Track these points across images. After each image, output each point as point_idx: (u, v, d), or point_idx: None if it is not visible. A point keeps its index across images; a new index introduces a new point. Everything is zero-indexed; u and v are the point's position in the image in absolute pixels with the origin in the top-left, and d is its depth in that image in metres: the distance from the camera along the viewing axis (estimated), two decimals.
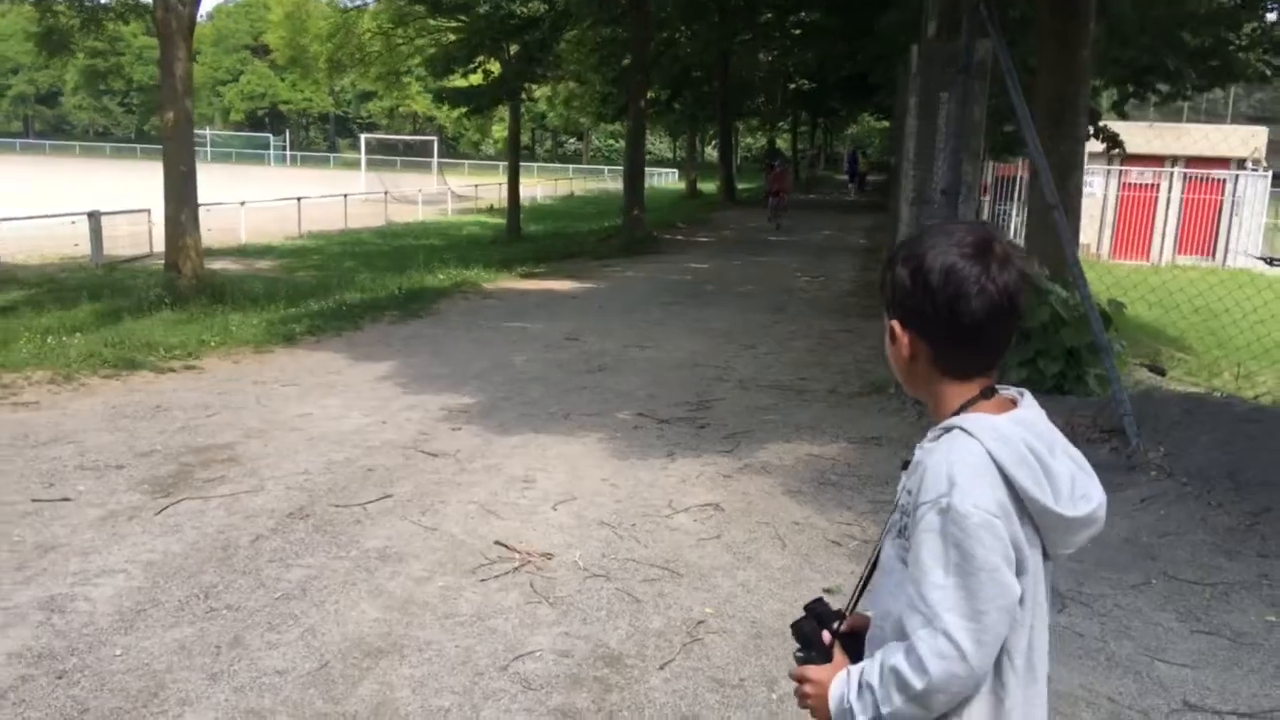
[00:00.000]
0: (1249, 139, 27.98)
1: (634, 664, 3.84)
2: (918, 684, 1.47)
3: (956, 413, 1.58)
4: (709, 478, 6.01)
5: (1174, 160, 26.89)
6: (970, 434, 1.52)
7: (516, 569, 4.63)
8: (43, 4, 16.35)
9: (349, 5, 25.44)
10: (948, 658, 1.46)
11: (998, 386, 1.64)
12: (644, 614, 4.25)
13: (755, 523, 5.31)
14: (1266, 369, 10.56)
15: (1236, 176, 26.59)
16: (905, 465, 1.66)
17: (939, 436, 1.57)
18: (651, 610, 4.28)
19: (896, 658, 1.51)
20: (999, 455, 1.49)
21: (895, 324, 1.62)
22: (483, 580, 4.50)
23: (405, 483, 5.70)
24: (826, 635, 1.71)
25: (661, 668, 3.81)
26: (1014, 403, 1.61)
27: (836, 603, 1.79)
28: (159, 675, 3.61)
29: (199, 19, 13.56)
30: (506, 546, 4.87)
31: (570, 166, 69.42)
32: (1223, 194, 26.79)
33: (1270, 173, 27.84)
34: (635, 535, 5.09)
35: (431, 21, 23.42)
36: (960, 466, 1.49)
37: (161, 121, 12.49)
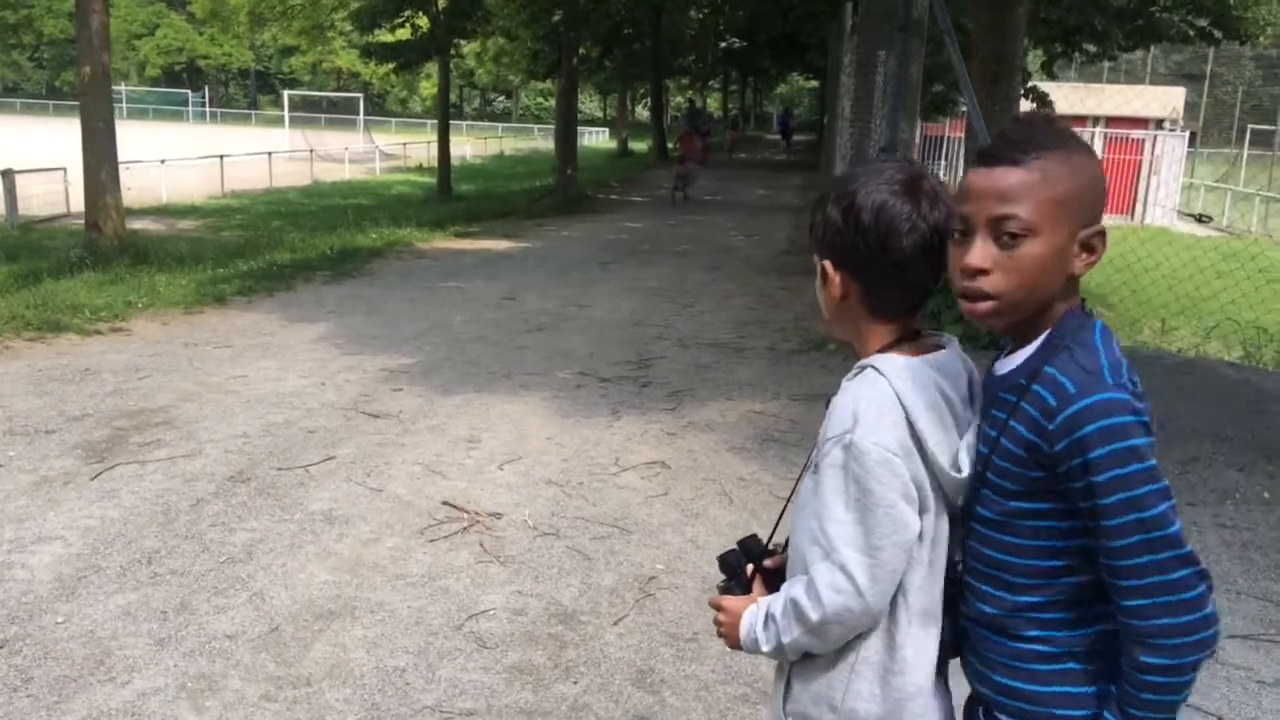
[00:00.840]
0: (1167, 100, 28.65)
1: (588, 620, 3.86)
2: (813, 615, 1.52)
3: (876, 354, 1.61)
4: (653, 435, 6.03)
5: (1095, 120, 27.44)
6: (881, 373, 1.55)
7: (465, 529, 4.62)
8: None
9: None
10: (843, 591, 1.50)
11: (927, 331, 1.66)
12: (595, 571, 4.26)
13: (701, 479, 5.35)
14: (1183, 325, 10.91)
15: (1155, 137, 27.23)
16: (828, 402, 1.69)
17: (855, 375, 1.60)
18: (603, 567, 4.30)
19: (797, 590, 1.56)
20: (905, 395, 1.52)
21: (827, 264, 1.64)
22: (432, 541, 4.48)
23: (348, 444, 5.63)
24: (750, 567, 1.75)
25: (615, 623, 3.84)
26: (939, 348, 1.63)
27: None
28: (104, 642, 3.54)
29: None
30: (454, 506, 4.85)
31: (499, 125, 68.55)
32: (1141, 154, 27.43)
33: (1187, 133, 28.58)
34: (583, 494, 5.10)
35: None
36: (865, 404, 1.53)
37: (78, 76, 12.02)
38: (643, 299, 10.43)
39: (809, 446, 5.31)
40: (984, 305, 1.44)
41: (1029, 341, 1.47)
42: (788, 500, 1.71)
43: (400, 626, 3.74)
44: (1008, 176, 1.40)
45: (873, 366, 1.57)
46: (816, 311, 8.80)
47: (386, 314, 9.27)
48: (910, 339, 1.62)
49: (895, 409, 1.52)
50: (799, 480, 1.69)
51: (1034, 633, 1.49)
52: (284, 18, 25.87)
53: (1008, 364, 1.50)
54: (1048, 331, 1.44)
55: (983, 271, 1.42)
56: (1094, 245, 1.43)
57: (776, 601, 1.61)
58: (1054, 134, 1.43)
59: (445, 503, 4.88)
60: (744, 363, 7.85)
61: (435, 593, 4.01)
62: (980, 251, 1.42)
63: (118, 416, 5.92)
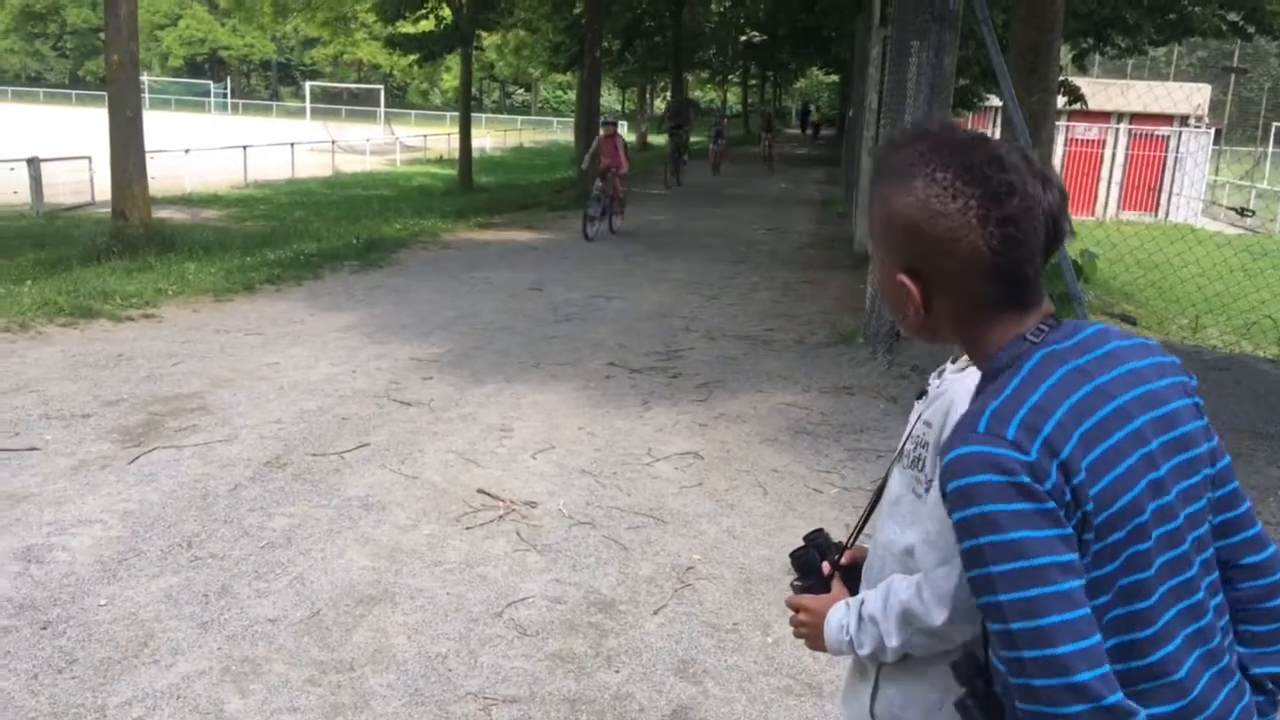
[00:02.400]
0: (1192, 95, 28.39)
1: (627, 609, 3.85)
2: (936, 619, 1.44)
3: None
4: (685, 426, 6.01)
5: (1119, 117, 27.22)
6: None
7: (501, 517, 4.61)
8: None
9: None
10: None
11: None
12: (632, 561, 4.25)
13: (735, 470, 5.33)
14: (1211, 322, 10.82)
15: (1180, 133, 27.02)
16: (920, 394, 1.64)
17: (964, 368, 1.52)
18: (640, 557, 4.29)
19: (907, 594, 1.48)
20: None
21: None
22: (468, 528, 4.48)
23: (381, 431, 5.64)
24: (826, 565, 1.70)
25: (655, 613, 3.83)
26: None
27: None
28: (147, 624, 3.55)
29: None
30: (489, 495, 4.84)
31: (519, 118, 68.60)
32: (1166, 150, 27.22)
33: (1212, 129, 28.33)
34: (617, 483, 5.09)
35: None
36: None
37: (106, 65, 12.06)
38: (668, 291, 10.41)
39: (841, 439, 5.27)
40: None
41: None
42: (875, 496, 1.67)
43: (440, 613, 3.73)
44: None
45: None
46: (842, 304, 8.76)
47: (414, 303, 9.27)
48: None
49: None
50: (886, 475, 1.65)
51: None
52: (307, 9, 25.92)
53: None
54: (984, 367, 1.27)
55: None
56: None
57: (874, 602, 1.54)
58: (894, 151, 1.28)
59: (480, 491, 4.88)
60: (772, 355, 7.82)
61: (474, 580, 4.01)
62: None
63: (153, 401, 5.94)
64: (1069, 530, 1.10)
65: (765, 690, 3.36)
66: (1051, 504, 1.09)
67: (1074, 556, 1.09)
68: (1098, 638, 1.09)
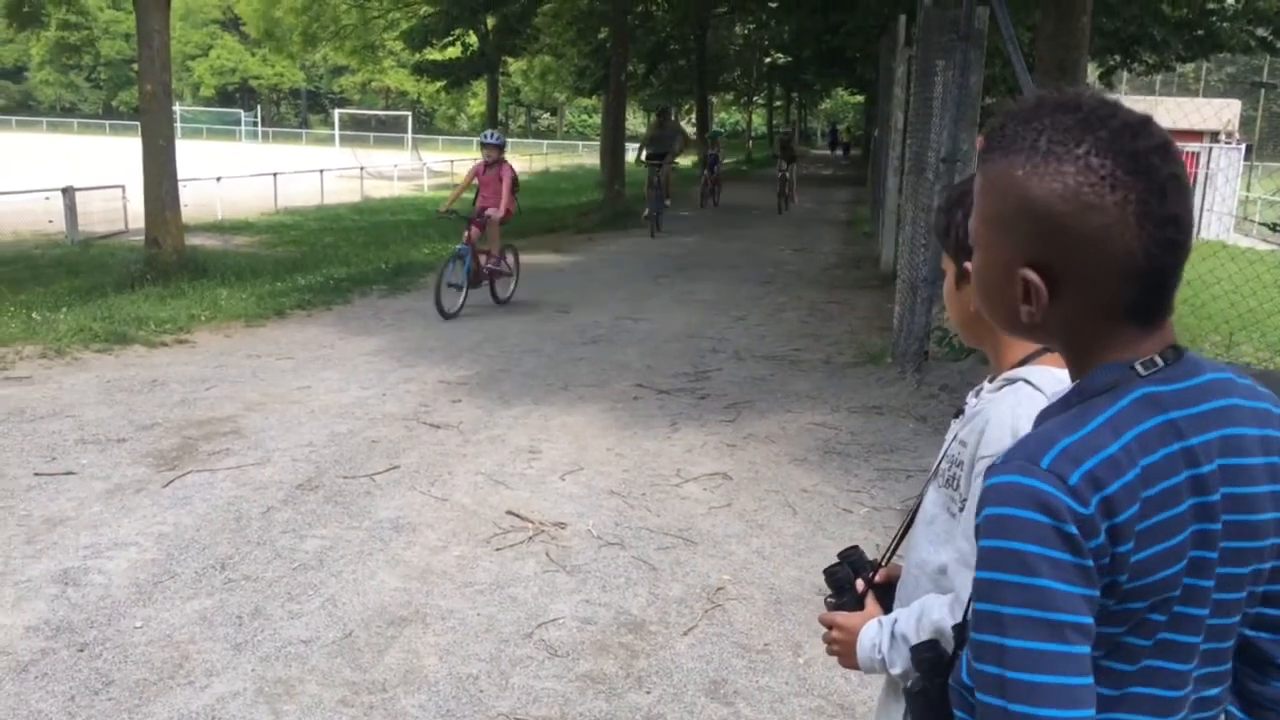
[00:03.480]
0: (1222, 111, 28.21)
1: (658, 630, 3.84)
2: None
3: (1020, 364, 1.53)
4: (714, 447, 6.01)
5: None
6: (1036, 387, 1.47)
7: (530, 538, 4.62)
8: None
9: None
10: None
11: None
12: (662, 581, 4.25)
13: (764, 491, 5.32)
14: (1245, 339, 10.70)
15: (1210, 149, 26.81)
16: (958, 413, 1.63)
17: (1001, 388, 1.53)
18: (669, 578, 4.29)
19: (940, 613, 1.48)
20: None
21: (970, 266, 1.56)
22: (498, 549, 4.49)
23: (411, 454, 5.67)
24: (860, 583, 1.70)
25: (685, 634, 3.82)
26: None
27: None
28: (182, 646, 3.58)
29: None
30: (518, 516, 4.86)
31: (544, 142, 69.07)
32: (1196, 166, 27.01)
33: (1243, 145, 28.10)
34: (646, 504, 5.09)
35: None
36: (1026, 421, 1.38)
37: (140, 94, 12.26)
38: (695, 312, 10.42)
39: (870, 458, 5.26)
40: None
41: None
42: (911, 515, 1.67)
43: (471, 634, 3.75)
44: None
45: (1025, 380, 1.49)
46: (870, 324, 8.74)
47: (442, 327, 9.33)
48: (1050, 350, 1.52)
49: None
50: (921, 495, 1.65)
51: None
52: (336, 38, 26.29)
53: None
54: (1076, 382, 1.12)
55: None
56: (1027, 291, 1.08)
57: (907, 621, 1.54)
58: (1024, 122, 1.07)
59: (509, 512, 4.89)
60: (800, 375, 7.81)
61: (504, 601, 4.02)
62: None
63: (186, 426, 6.00)
64: (1096, 593, 1.01)
65: (797, 711, 3.35)
66: (1090, 562, 1.00)
67: (1091, 620, 1.01)
68: (1091, 712, 1.01)
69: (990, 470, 1.06)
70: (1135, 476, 1.02)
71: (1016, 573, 1.00)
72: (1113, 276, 1.03)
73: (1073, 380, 1.13)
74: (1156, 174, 1.01)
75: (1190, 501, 1.04)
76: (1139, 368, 1.07)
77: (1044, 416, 1.13)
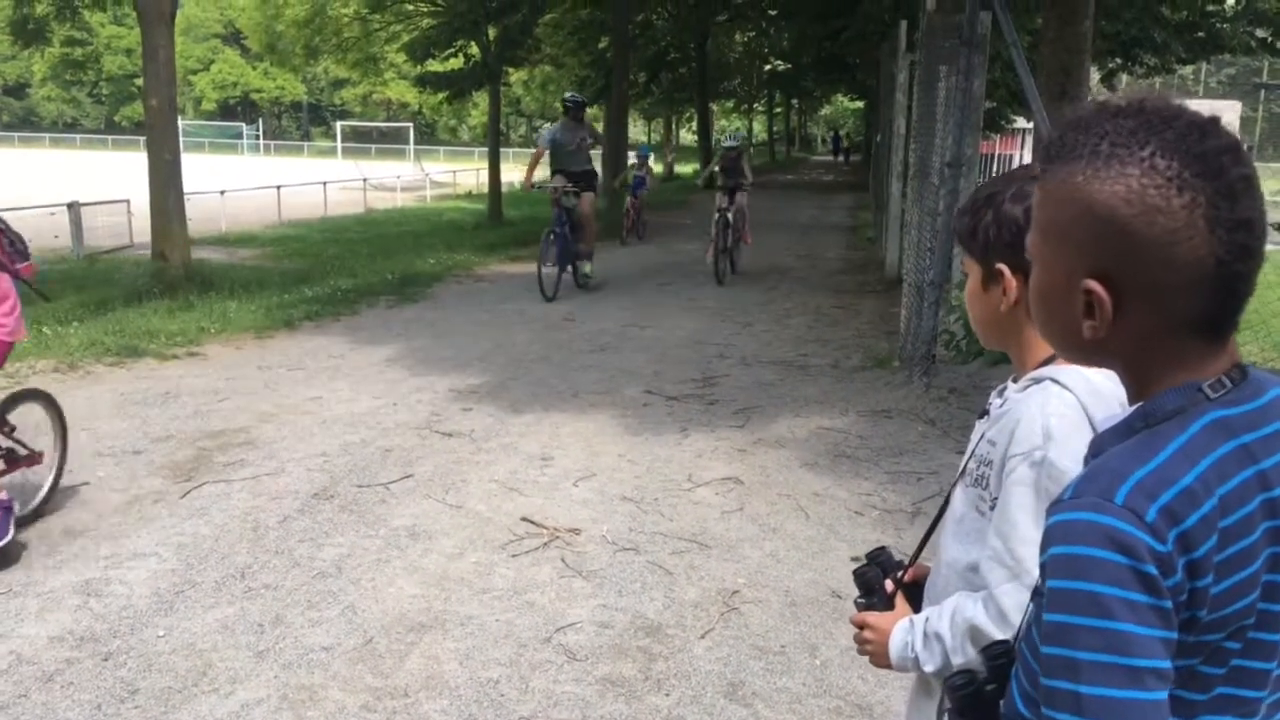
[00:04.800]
0: (1222, 113, 28.19)
1: (674, 634, 3.87)
2: (999, 635, 1.44)
3: (1045, 363, 1.55)
4: (724, 452, 6.04)
5: None
6: (1064, 386, 1.48)
7: (546, 544, 4.66)
8: None
9: None
10: None
11: None
12: (678, 585, 4.28)
13: (776, 495, 5.35)
14: (1251, 338, 10.72)
15: None
16: (983, 414, 1.66)
17: (1027, 387, 1.54)
18: (684, 582, 4.32)
19: (974, 610, 1.50)
20: (1093, 410, 1.45)
21: (1004, 267, 1.54)
22: (514, 556, 4.53)
23: (424, 462, 5.71)
24: (889, 583, 1.72)
25: (702, 637, 3.85)
26: None
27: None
28: (205, 654, 3.62)
29: None
30: (533, 522, 4.89)
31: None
32: None
33: (1245, 147, 28.10)
34: (659, 509, 5.12)
35: (409, 6, 23.27)
36: (1058, 420, 1.45)
37: (145, 110, 12.33)
38: (702, 318, 10.46)
39: (881, 461, 5.29)
40: None
41: (1131, 405, 1.10)
42: (938, 516, 1.70)
43: (490, 639, 3.78)
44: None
45: (1052, 379, 1.50)
46: (876, 328, 8.77)
47: (451, 336, 9.38)
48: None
49: (1085, 428, 1.42)
50: (949, 494, 1.67)
51: None
52: (338, 50, 26.36)
53: (1104, 424, 1.15)
54: (1138, 405, 1.07)
55: None
56: (1090, 303, 1.03)
57: (939, 620, 1.56)
58: (1081, 131, 1.03)
59: (524, 519, 4.93)
60: (808, 380, 7.85)
61: (522, 606, 4.05)
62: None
63: (200, 437, 6.05)
64: (1174, 635, 0.95)
65: (816, 712, 3.37)
66: (1169, 603, 0.94)
67: (1170, 665, 0.95)
68: None
69: (1056, 506, 1.01)
70: (1213, 507, 0.97)
71: (1091, 616, 0.94)
72: (1180, 286, 0.98)
73: (1131, 402, 1.08)
74: (1226, 175, 0.96)
75: (1264, 526, 1.00)
76: (1207, 390, 1.02)
77: (1101, 443, 1.09)
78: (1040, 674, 0.99)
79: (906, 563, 1.78)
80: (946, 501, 1.69)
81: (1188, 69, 29.82)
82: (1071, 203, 1.01)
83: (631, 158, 15.83)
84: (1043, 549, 1.00)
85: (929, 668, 1.57)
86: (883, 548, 1.82)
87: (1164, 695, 0.95)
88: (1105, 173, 0.98)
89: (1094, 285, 1.00)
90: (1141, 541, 0.94)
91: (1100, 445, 1.08)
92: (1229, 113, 28.66)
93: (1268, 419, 1.03)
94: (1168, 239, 0.96)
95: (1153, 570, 0.94)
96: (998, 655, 1.24)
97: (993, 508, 1.53)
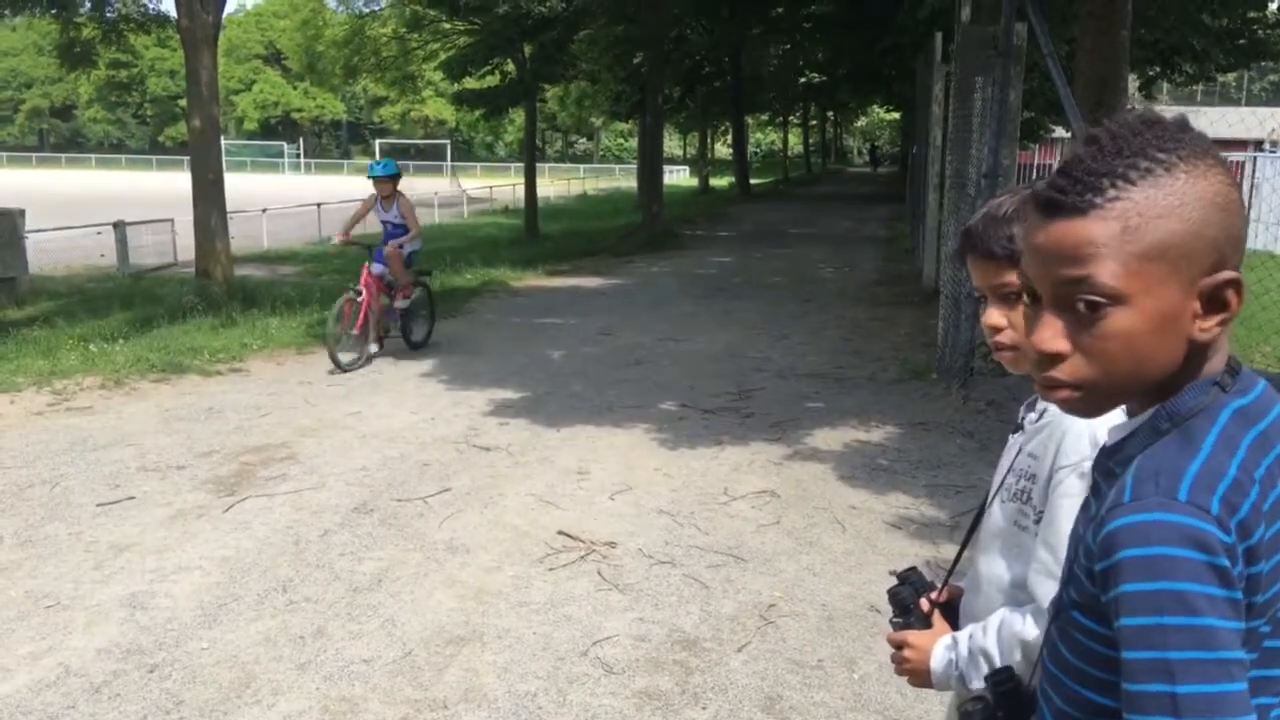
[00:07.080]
0: (1266, 120, 27.78)
1: (711, 647, 3.88)
2: None
3: None
4: (760, 465, 6.04)
5: None
6: None
7: (583, 558, 4.68)
8: (64, 16, 16.45)
9: (363, 11, 25.50)
10: None
11: None
12: (714, 599, 4.28)
13: (812, 508, 5.34)
14: None
15: (1255, 158, 26.43)
16: (1016, 429, 1.66)
17: None
18: (721, 595, 4.32)
19: (1021, 625, 1.49)
20: None
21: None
22: (551, 569, 4.55)
23: (462, 476, 5.76)
24: (925, 602, 1.72)
25: (739, 650, 3.85)
26: None
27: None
28: (248, 666, 3.67)
29: None
30: (570, 536, 4.92)
31: (581, 166, 69.56)
32: (1242, 176, 26.64)
33: None
34: (695, 523, 5.13)
35: (446, 25, 23.51)
36: (1103, 429, 1.40)
37: (189, 130, 12.57)
38: (737, 332, 10.46)
39: (918, 474, 5.25)
40: (1063, 394, 1.06)
41: (1144, 409, 1.09)
42: (969, 532, 1.71)
43: (528, 652, 3.80)
44: (1073, 231, 1.00)
45: None
46: (913, 340, 8.70)
47: (487, 351, 9.45)
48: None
49: None
50: (984, 509, 1.67)
51: None
52: (377, 69, 26.67)
53: (1116, 432, 1.14)
54: (1156, 407, 1.06)
55: (1057, 356, 1.03)
56: (1223, 298, 1.00)
57: (984, 636, 1.55)
58: (1141, 150, 1.00)
59: (561, 532, 4.96)
60: (845, 393, 7.82)
61: (559, 619, 4.07)
62: (1050, 328, 1.03)
63: (243, 452, 6.14)
64: (1243, 624, 0.96)
65: None
66: (1239, 594, 0.96)
67: (1246, 655, 0.96)
68: None
69: (1114, 511, 1.00)
70: (1258, 493, 0.99)
71: (1179, 614, 0.94)
72: (1226, 284, 1.01)
73: (1146, 405, 1.08)
74: (1228, 168, 1.02)
75: None
76: (1223, 382, 1.04)
77: (1123, 448, 1.09)
78: (1124, 680, 0.98)
79: (939, 583, 1.77)
80: (978, 518, 1.69)
81: (1229, 76, 29.42)
82: (1181, 208, 0.98)
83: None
84: (1104, 555, 0.99)
85: (975, 684, 1.56)
86: (913, 568, 1.82)
87: (1246, 686, 0.96)
88: (1196, 170, 0.99)
89: (1229, 275, 1.00)
90: (1212, 535, 0.95)
91: (1122, 451, 1.09)
92: (1273, 120, 28.23)
93: (1269, 405, 1.06)
94: (1240, 235, 1.01)
95: (1225, 563, 0.95)
96: (1003, 682, 1.25)
97: (1036, 521, 1.53)
